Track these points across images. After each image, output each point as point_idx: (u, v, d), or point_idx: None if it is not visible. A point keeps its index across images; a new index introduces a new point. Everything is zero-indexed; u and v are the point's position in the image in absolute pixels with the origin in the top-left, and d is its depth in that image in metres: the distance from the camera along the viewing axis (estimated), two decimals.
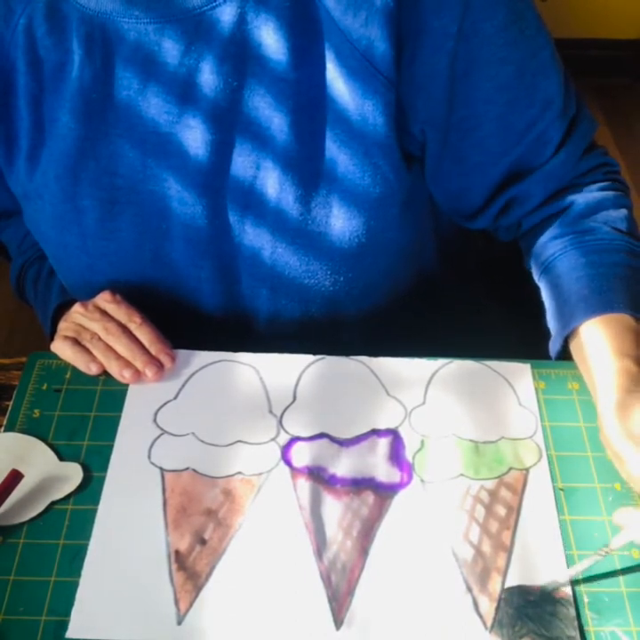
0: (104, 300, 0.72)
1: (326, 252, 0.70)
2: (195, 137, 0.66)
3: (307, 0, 0.61)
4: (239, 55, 0.62)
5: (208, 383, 0.70)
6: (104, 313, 0.71)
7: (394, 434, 0.66)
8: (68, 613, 0.56)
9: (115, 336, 0.70)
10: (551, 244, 0.71)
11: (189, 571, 0.58)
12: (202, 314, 0.77)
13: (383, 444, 0.66)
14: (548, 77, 0.66)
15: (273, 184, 0.66)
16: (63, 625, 0.56)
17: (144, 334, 0.70)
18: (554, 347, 0.69)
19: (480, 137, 0.67)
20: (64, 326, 0.72)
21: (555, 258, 0.70)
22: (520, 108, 0.66)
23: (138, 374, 0.69)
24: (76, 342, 0.70)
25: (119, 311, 0.71)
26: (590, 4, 2.18)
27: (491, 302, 0.91)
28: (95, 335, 0.70)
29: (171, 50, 0.63)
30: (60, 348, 0.71)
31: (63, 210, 0.71)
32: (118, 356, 0.69)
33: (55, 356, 0.72)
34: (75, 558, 0.59)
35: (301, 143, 0.65)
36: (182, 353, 0.72)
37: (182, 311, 0.76)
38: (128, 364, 0.69)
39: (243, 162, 0.66)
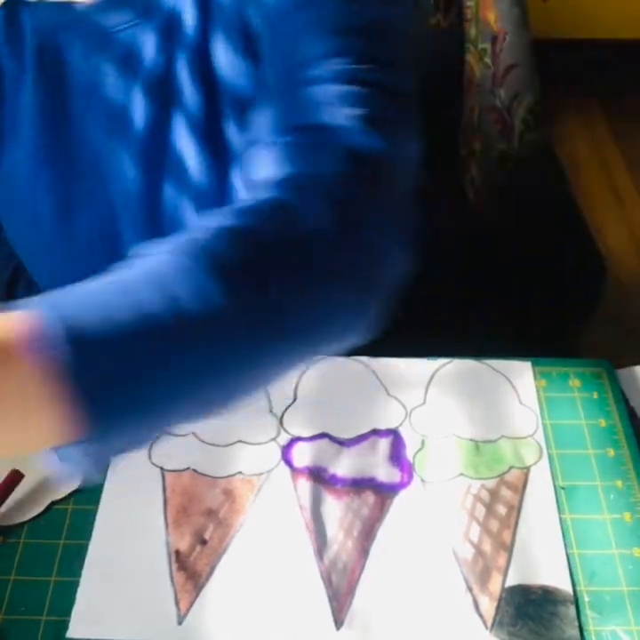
0: None
1: None
2: (127, 161, 0.66)
3: (206, 25, 0.61)
4: (162, 79, 0.63)
5: None
6: None
7: (394, 434, 0.66)
8: (68, 613, 0.56)
9: None
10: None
11: (190, 571, 0.58)
12: None
13: (383, 443, 0.66)
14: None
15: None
16: (63, 625, 0.56)
17: None
18: None
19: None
20: None
21: None
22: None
23: None
24: None
25: None
26: (590, 3, 2.18)
27: (483, 298, 0.91)
28: None
29: (108, 66, 0.63)
30: None
31: (23, 215, 0.72)
32: None
33: None
34: (75, 558, 0.59)
35: (213, 176, 0.64)
36: None
37: None
38: None
39: (167, 195, 0.67)
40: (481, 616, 0.56)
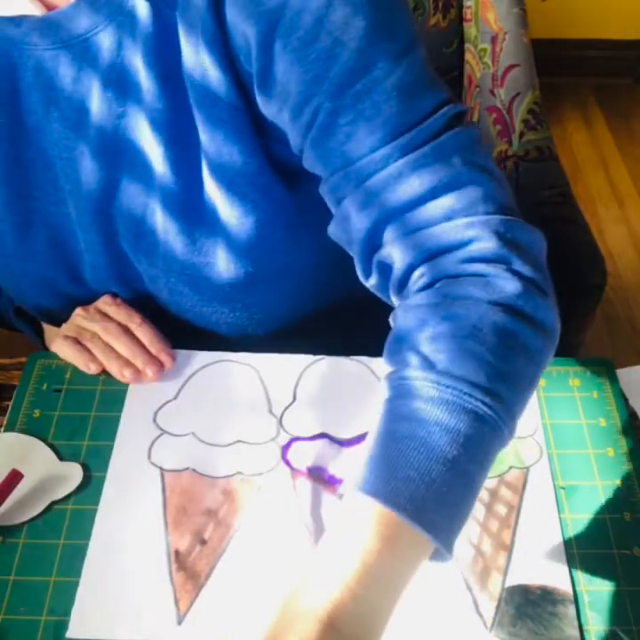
0: (104, 302, 0.73)
1: (215, 282, 0.68)
2: (87, 166, 0.65)
3: (167, 27, 0.59)
4: (120, 81, 0.62)
5: (208, 383, 0.70)
6: (104, 314, 0.72)
7: None
8: (67, 613, 0.56)
9: (115, 336, 0.70)
10: (387, 359, 0.54)
11: (189, 570, 0.58)
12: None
13: None
14: (374, 104, 0.55)
15: (158, 218, 0.66)
16: (63, 625, 0.56)
17: (144, 334, 0.71)
18: None
19: (308, 163, 0.61)
20: (65, 328, 0.73)
21: (383, 387, 0.53)
22: (335, 138, 0.56)
23: (138, 373, 0.69)
24: (77, 342, 0.71)
25: (119, 312, 0.72)
26: (590, 4, 2.18)
27: None
28: (95, 335, 0.71)
29: (65, 76, 0.62)
30: (60, 347, 0.71)
31: None
32: (118, 356, 0.69)
33: (55, 356, 0.72)
34: (75, 558, 0.59)
35: (177, 174, 0.63)
36: (182, 353, 0.72)
37: None
38: (128, 363, 0.69)
39: (130, 196, 0.66)
40: (481, 616, 0.56)
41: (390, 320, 0.57)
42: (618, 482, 0.63)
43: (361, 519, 0.45)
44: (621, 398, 0.68)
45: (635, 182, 2.04)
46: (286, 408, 0.68)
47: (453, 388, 0.48)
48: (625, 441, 0.65)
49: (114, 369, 0.69)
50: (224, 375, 0.71)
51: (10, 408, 0.69)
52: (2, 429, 0.67)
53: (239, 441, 0.66)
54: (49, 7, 0.60)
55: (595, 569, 0.58)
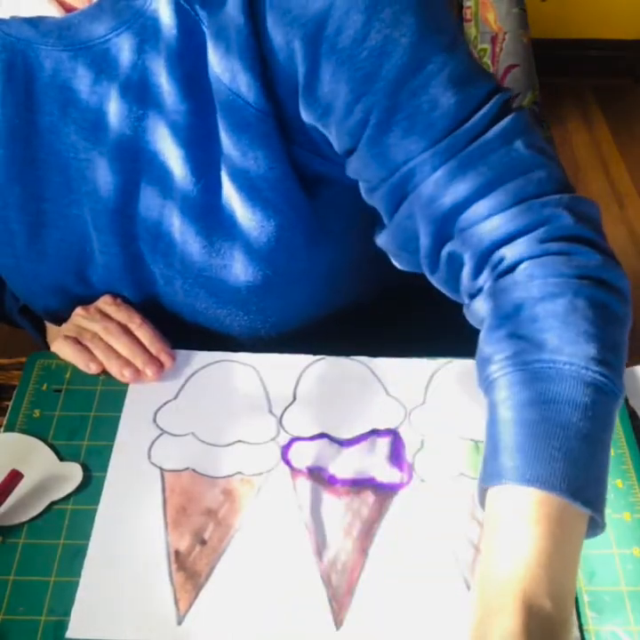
0: (105, 302, 0.73)
1: (232, 285, 0.68)
2: (104, 169, 0.65)
3: (192, 32, 0.59)
4: (139, 85, 0.62)
5: (208, 383, 0.70)
6: (105, 314, 0.72)
7: (394, 434, 0.66)
8: (67, 613, 0.56)
9: (115, 335, 0.70)
10: (489, 351, 0.54)
11: (189, 571, 0.58)
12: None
13: (383, 443, 0.66)
14: (432, 99, 0.55)
15: (176, 221, 0.66)
16: (63, 625, 0.56)
17: (144, 334, 0.71)
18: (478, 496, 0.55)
19: (360, 163, 0.60)
20: (65, 327, 0.73)
21: (494, 381, 0.53)
22: (393, 134, 0.57)
23: (138, 373, 0.69)
24: (77, 342, 0.71)
25: (119, 312, 0.72)
26: (590, 4, 2.18)
27: None
28: (96, 335, 0.71)
29: (83, 78, 0.62)
30: (61, 347, 0.71)
31: None
32: (118, 355, 0.69)
33: (55, 356, 0.72)
34: (75, 558, 0.59)
35: (197, 177, 0.63)
36: (182, 353, 0.72)
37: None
38: (128, 363, 0.69)
39: (148, 199, 0.66)
40: None
41: (465, 313, 0.59)
42: (618, 482, 0.63)
43: (524, 507, 0.48)
44: None
45: (635, 182, 2.04)
46: (286, 408, 0.68)
47: (570, 364, 0.50)
48: (625, 441, 0.65)
49: (114, 369, 0.69)
50: (224, 375, 0.71)
51: (10, 408, 0.69)
52: (2, 429, 0.67)
53: (239, 441, 0.66)
54: (67, 9, 0.60)
55: (595, 569, 0.58)
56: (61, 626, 0.56)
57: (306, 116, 0.60)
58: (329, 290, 0.74)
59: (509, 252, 0.55)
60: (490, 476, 0.50)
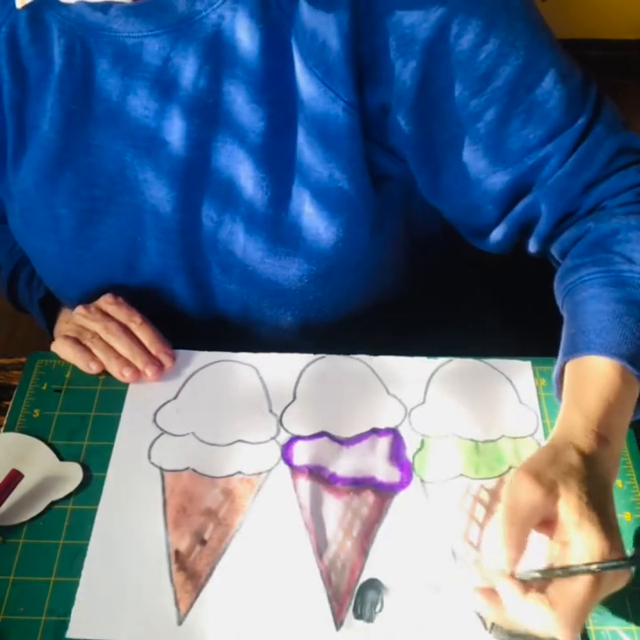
0: (105, 301, 0.73)
1: (294, 274, 0.69)
2: (176, 131, 0.65)
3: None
4: (217, 51, 0.62)
5: (208, 383, 0.70)
6: (105, 314, 0.72)
7: (394, 433, 0.66)
8: (67, 613, 0.56)
9: (115, 335, 0.70)
10: (580, 261, 0.64)
11: (189, 571, 0.58)
12: (175, 322, 0.76)
13: (383, 443, 0.66)
14: (545, 92, 0.62)
15: (247, 179, 0.66)
16: (63, 625, 0.56)
17: (144, 334, 0.71)
18: (555, 370, 0.62)
19: (470, 155, 0.64)
20: (65, 327, 0.73)
21: (586, 282, 0.63)
22: (511, 125, 0.62)
23: (138, 373, 0.69)
24: (77, 342, 0.71)
25: (120, 312, 0.72)
26: (590, 4, 2.18)
27: (488, 305, 0.91)
28: (96, 335, 0.70)
29: (151, 58, 0.63)
30: (61, 347, 0.71)
31: (42, 217, 0.72)
32: (118, 355, 0.69)
33: (55, 356, 0.72)
34: (75, 558, 0.59)
35: (274, 137, 0.64)
36: (182, 353, 0.72)
37: (155, 320, 0.74)
38: (128, 363, 0.69)
39: (222, 155, 0.66)
40: (481, 616, 0.56)
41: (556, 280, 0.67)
42: (618, 482, 0.62)
43: (604, 371, 0.57)
44: None
45: None
46: (286, 407, 0.68)
47: None
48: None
49: (114, 369, 0.69)
50: (224, 375, 0.71)
51: (10, 408, 0.69)
52: (2, 429, 0.67)
53: (239, 440, 0.66)
54: None
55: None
56: (61, 626, 0.56)
57: (403, 120, 0.63)
58: (375, 280, 0.75)
59: (611, 203, 0.65)
60: (578, 348, 0.58)
